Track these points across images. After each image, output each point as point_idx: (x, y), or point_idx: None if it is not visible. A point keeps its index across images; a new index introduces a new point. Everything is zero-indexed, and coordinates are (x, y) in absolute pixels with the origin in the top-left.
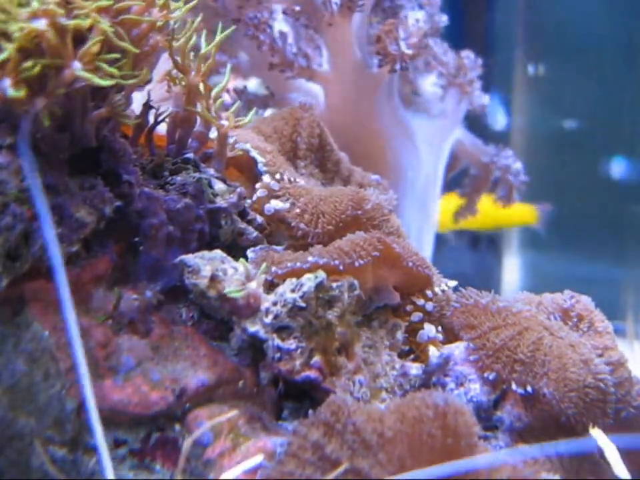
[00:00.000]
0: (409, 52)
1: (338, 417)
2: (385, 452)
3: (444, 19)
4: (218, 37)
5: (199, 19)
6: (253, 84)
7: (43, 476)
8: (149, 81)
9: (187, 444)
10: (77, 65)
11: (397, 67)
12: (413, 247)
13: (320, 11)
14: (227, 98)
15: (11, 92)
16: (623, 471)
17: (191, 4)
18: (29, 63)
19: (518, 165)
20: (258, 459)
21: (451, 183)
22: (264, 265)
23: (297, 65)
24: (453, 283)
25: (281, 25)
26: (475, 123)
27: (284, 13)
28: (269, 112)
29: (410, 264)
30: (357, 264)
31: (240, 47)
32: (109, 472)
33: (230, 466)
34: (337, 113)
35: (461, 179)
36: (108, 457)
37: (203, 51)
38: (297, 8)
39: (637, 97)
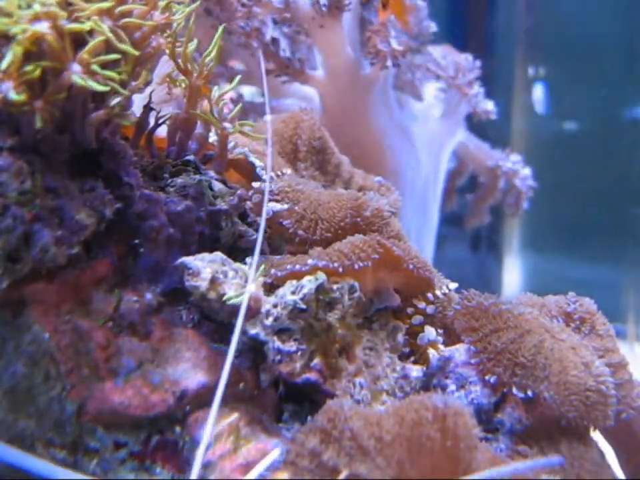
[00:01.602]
0: (400, 48)
1: (334, 423)
2: (384, 456)
3: (432, 25)
4: (215, 40)
5: (192, 19)
6: (248, 92)
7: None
8: (149, 83)
9: (198, 456)
10: (75, 67)
11: (388, 63)
12: (413, 250)
13: (310, 15)
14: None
15: (13, 95)
16: (621, 474)
17: (192, 6)
18: (30, 67)
19: (526, 171)
20: (275, 454)
21: (461, 189)
22: (262, 266)
23: (291, 69)
24: (454, 285)
25: (273, 31)
26: (477, 126)
27: (274, 22)
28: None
29: (410, 266)
30: (356, 266)
31: (234, 57)
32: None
33: (231, 468)
34: (333, 115)
35: (470, 182)
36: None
37: (205, 53)
38: (287, 15)
39: (638, 98)
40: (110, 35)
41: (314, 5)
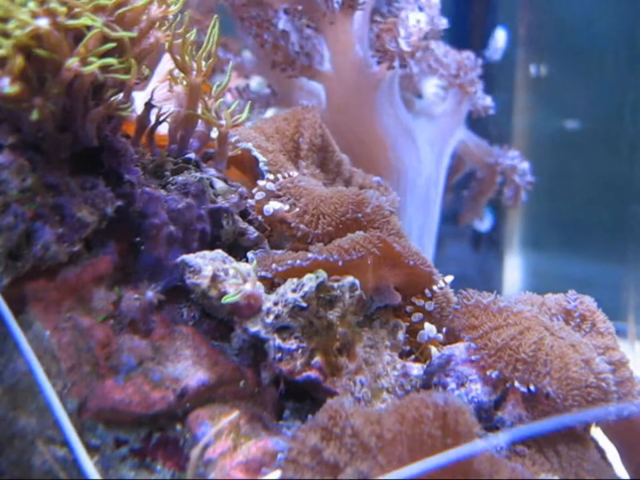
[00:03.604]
0: (408, 49)
1: (335, 420)
2: (385, 454)
3: (444, 22)
4: (209, 35)
5: (188, 17)
6: (255, 83)
7: (44, 475)
8: (147, 77)
9: (194, 455)
10: (73, 60)
11: (396, 63)
12: (413, 247)
13: (321, 10)
14: (228, 97)
15: (8, 89)
16: (623, 471)
17: None
18: (19, 58)
19: (524, 165)
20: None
21: (458, 185)
22: (255, 262)
23: (299, 63)
24: (450, 278)
25: (284, 24)
26: (478, 124)
27: (285, 12)
28: (270, 111)
29: (411, 262)
30: (355, 257)
31: (244, 46)
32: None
33: (231, 466)
34: (339, 111)
35: (467, 181)
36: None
37: (201, 50)
38: (299, 7)
39: (639, 97)
40: (104, 27)
41: (327, 2)
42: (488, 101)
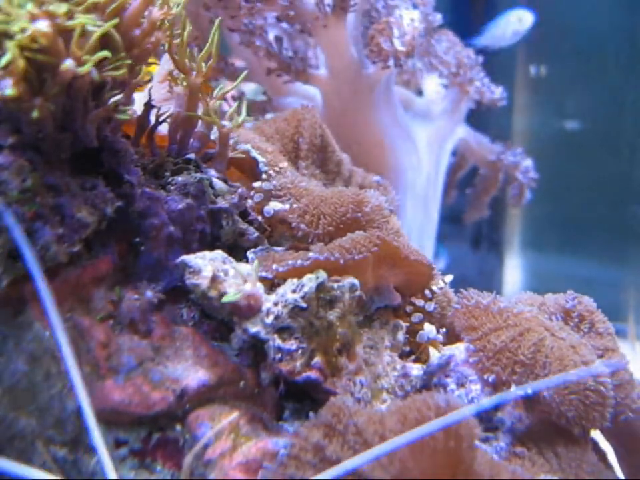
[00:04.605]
0: (403, 49)
1: (339, 418)
2: (386, 454)
3: (438, 18)
4: (212, 36)
5: (185, 17)
6: (250, 90)
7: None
8: (149, 80)
9: (187, 458)
10: (70, 62)
11: (390, 63)
12: (412, 246)
13: (313, 14)
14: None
15: (9, 91)
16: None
17: None
18: (21, 61)
19: (527, 162)
20: None
21: (461, 183)
22: (256, 262)
23: (294, 68)
24: (449, 278)
25: (276, 30)
26: (478, 124)
27: (277, 19)
28: (269, 115)
29: (411, 257)
30: (356, 257)
31: (236, 54)
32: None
33: (231, 466)
34: (335, 114)
35: (470, 178)
36: (108, 458)
37: (203, 51)
38: (291, 13)
39: (639, 97)
40: (95, 26)
41: (318, 5)
42: (498, 92)
